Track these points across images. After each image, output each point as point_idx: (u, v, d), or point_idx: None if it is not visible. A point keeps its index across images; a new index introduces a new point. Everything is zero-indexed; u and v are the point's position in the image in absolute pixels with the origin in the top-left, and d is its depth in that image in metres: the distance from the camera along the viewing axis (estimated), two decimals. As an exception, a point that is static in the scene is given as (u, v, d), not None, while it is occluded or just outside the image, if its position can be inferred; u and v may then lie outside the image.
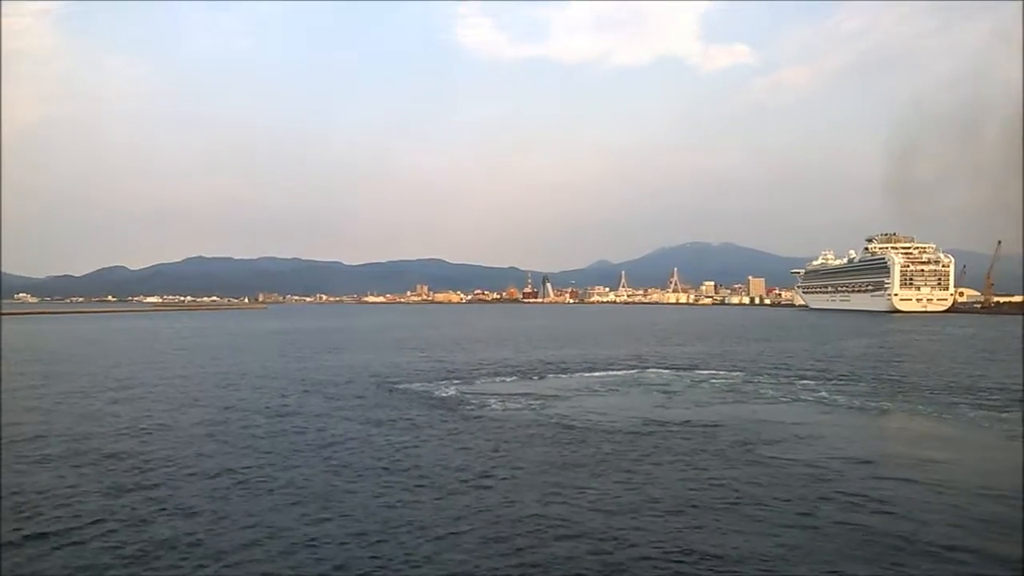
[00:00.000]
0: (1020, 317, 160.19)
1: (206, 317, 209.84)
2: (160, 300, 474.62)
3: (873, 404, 35.24)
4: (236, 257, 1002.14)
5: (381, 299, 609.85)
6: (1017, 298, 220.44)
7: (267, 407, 34.53)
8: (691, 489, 19.66)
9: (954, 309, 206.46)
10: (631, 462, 22.87)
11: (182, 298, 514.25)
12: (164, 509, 18.01)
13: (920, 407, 34.43)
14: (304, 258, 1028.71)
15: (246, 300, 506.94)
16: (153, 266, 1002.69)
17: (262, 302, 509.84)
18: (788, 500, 18.69)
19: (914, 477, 21.06)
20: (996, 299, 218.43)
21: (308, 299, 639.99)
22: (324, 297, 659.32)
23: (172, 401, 36.75)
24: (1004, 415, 31.60)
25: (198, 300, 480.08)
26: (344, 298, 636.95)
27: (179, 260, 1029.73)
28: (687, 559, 14.65)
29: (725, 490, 19.59)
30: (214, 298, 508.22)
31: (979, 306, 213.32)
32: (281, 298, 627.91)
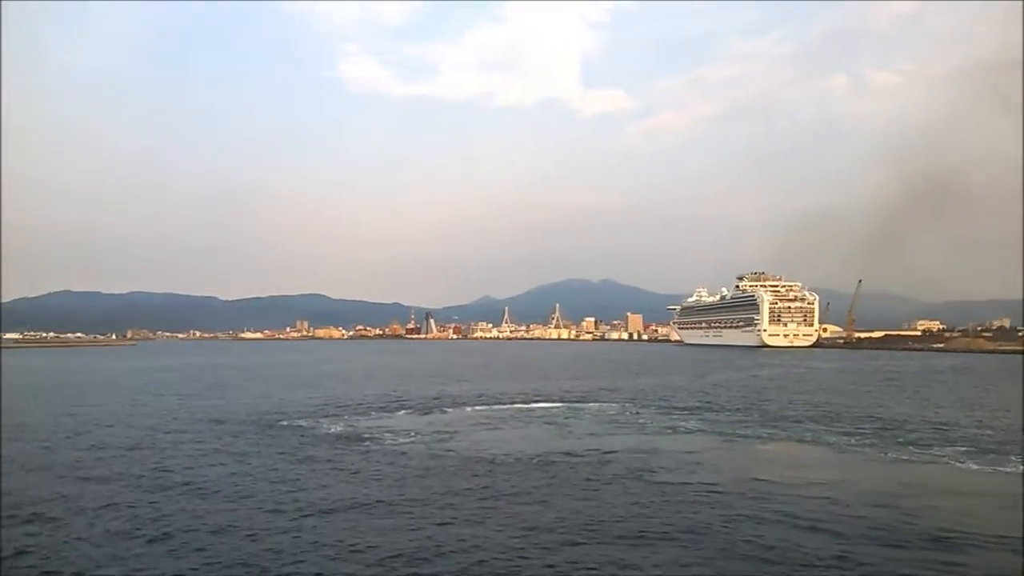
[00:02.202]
0: (880, 352, 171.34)
1: (69, 355, 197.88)
2: (20, 336, 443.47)
3: (752, 433, 36.82)
4: (105, 291, 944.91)
5: (259, 335, 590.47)
6: (877, 334, 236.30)
7: (140, 448, 32.76)
8: (590, 513, 19.94)
9: (819, 344, 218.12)
10: (529, 490, 23.02)
11: (44, 334, 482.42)
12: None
13: (793, 434, 36.37)
14: (179, 292, 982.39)
15: (113, 336, 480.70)
16: (13, 300, 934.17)
17: (131, 338, 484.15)
18: (685, 517, 19.35)
19: (800, 494, 22.26)
20: (857, 335, 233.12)
21: (180, 335, 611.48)
22: (198, 333, 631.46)
23: (47, 444, 34.46)
24: (872, 441, 33.76)
25: (62, 336, 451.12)
26: (219, 334, 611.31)
27: (43, 294, 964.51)
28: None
29: (623, 511, 20.02)
30: (79, 334, 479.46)
31: (842, 341, 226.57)
32: (152, 334, 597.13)
